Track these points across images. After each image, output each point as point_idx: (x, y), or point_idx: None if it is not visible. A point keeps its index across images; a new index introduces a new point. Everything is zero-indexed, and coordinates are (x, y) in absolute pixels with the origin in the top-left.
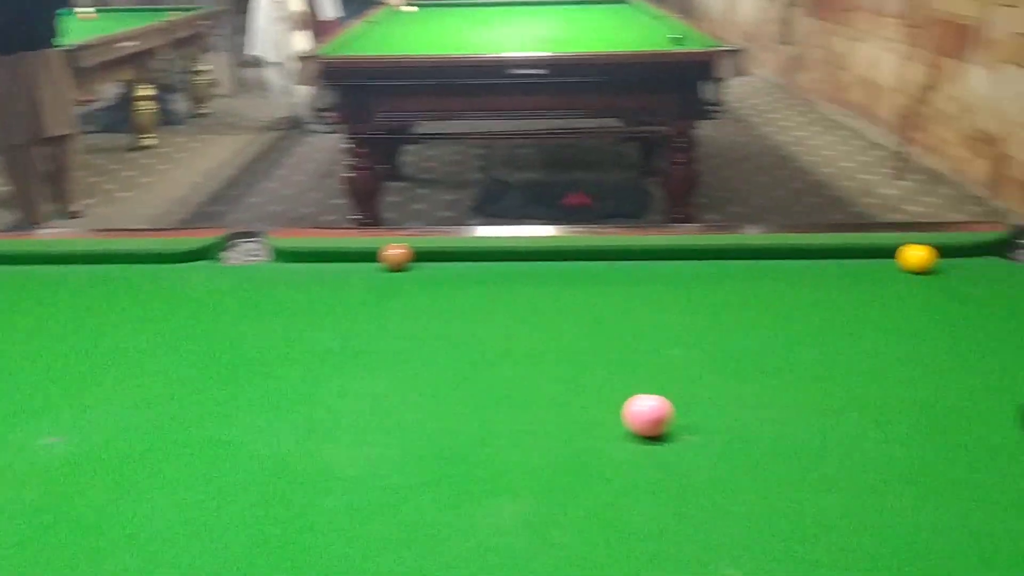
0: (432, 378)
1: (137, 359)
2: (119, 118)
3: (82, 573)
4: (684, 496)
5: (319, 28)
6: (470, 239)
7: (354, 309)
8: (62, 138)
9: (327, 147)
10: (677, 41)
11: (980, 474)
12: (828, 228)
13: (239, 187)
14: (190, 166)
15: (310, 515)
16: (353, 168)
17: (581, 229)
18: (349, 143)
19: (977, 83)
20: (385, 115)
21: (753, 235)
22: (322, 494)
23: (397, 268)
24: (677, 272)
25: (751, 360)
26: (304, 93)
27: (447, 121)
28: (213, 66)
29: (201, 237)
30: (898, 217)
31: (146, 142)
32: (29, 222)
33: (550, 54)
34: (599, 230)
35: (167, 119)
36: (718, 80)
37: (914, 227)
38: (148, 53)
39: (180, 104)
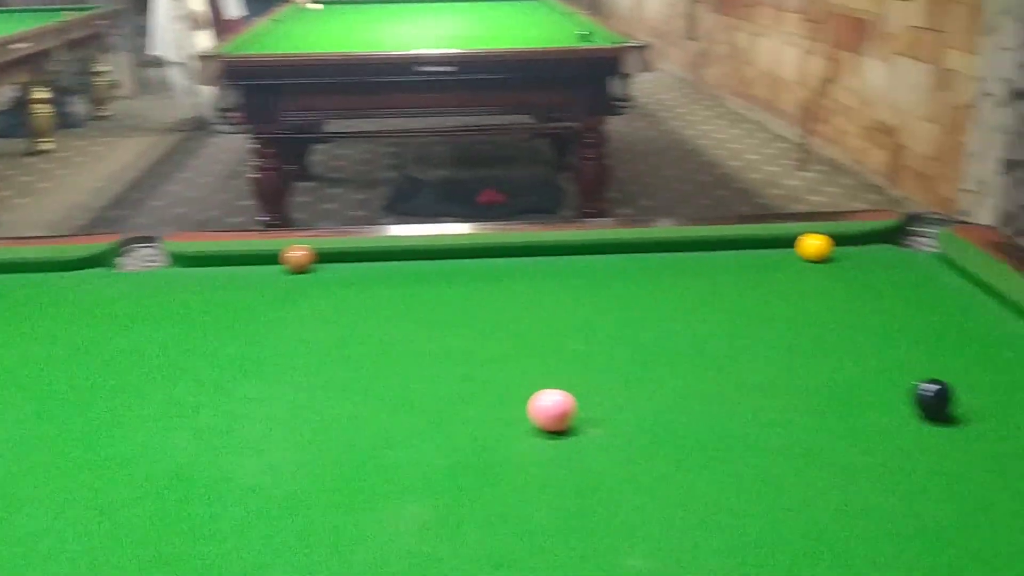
0: (333, 381)
1: (24, 373)
2: (14, 122)
3: None
4: (588, 489)
5: (223, 27)
6: (375, 239)
7: (254, 313)
8: None
9: (233, 148)
10: (584, 37)
11: (874, 455)
12: (732, 220)
13: (142, 191)
14: (90, 170)
15: (208, 526)
16: (259, 169)
17: (492, 226)
18: (254, 143)
19: (874, 76)
20: (291, 114)
21: (661, 228)
22: (221, 504)
23: (300, 270)
24: (588, 267)
25: (656, 352)
26: (208, 93)
27: (356, 120)
28: (113, 67)
29: (95, 243)
30: (802, 207)
31: (43, 146)
32: None
33: (458, 51)
34: (511, 227)
35: (65, 122)
36: (625, 76)
37: (812, 217)
38: (43, 54)
39: (79, 106)
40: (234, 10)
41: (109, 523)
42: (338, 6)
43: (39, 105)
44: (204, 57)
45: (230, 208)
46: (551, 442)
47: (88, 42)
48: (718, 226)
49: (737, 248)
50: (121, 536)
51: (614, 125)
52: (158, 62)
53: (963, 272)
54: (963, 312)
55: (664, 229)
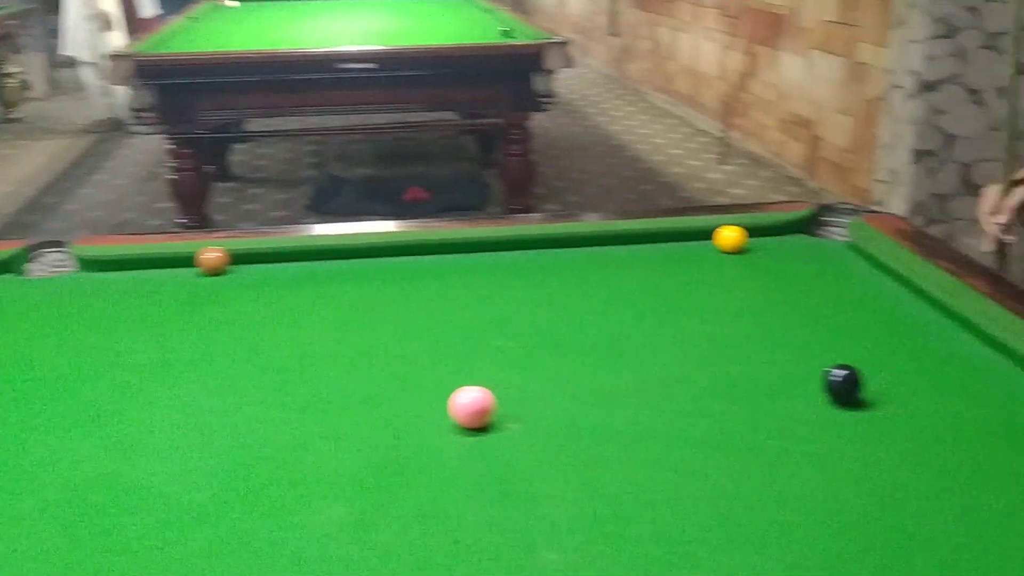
0: (248, 385)
1: None
2: None
3: None
4: (507, 484)
5: (138, 26)
6: (292, 239)
7: (167, 317)
8: None
9: (151, 149)
10: (506, 34)
11: (788, 442)
12: (653, 214)
13: (56, 195)
14: (1, 174)
15: (118, 535)
16: (176, 170)
17: (416, 223)
18: (171, 144)
19: (790, 70)
20: (208, 114)
21: (584, 223)
22: (132, 512)
23: (214, 272)
24: (513, 263)
25: (577, 346)
26: (123, 93)
27: (277, 118)
28: (24, 68)
29: (1, 250)
30: (723, 200)
31: None
32: None
33: (378, 48)
34: (434, 224)
35: None
36: (548, 72)
37: (729, 209)
38: None
39: None
40: (149, 9)
41: (14, 535)
42: (257, 3)
43: None
44: (115, 56)
45: (148, 210)
46: (471, 439)
47: None
48: (640, 220)
49: (658, 241)
50: (27, 548)
51: (539, 121)
52: (71, 62)
53: (872, 260)
54: (872, 299)
55: (587, 224)
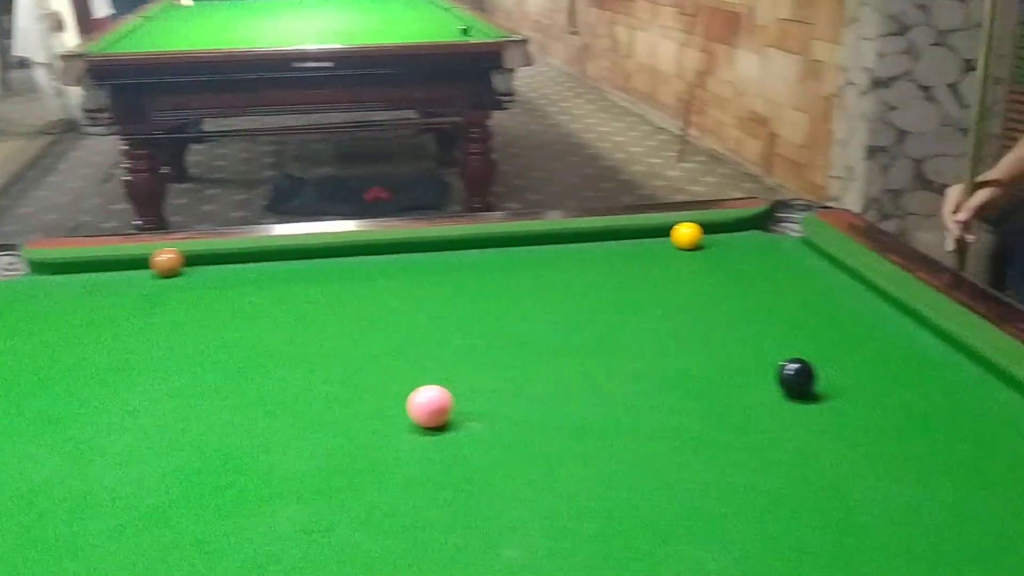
0: (204, 387)
1: None
2: None
3: None
4: (466, 483)
5: (92, 26)
6: (249, 239)
7: (120, 320)
8: None
9: (107, 150)
10: (465, 32)
11: (742, 434)
12: (613, 211)
13: (9, 197)
14: None
15: (72, 542)
16: (132, 171)
17: (374, 223)
18: (125, 145)
19: (747, 67)
20: (164, 114)
21: (544, 221)
22: (85, 518)
23: (168, 274)
24: (473, 262)
25: (535, 344)
26: (78, 94)
27: (234, 118)
28: None
29: None
30: (682, 197)
31: None
32: None
33: (335, 47)
34: (392, 223)
35: None
36: (508, 70)
37: (686, 206)
38: None
39: None
40: (103, 9)
41: None
42: (213, 2)
43: None
44: (66, 57)
45: (104, 213)
46: (430, 438)
47: None
48: (599, 218)
49: (617, 239)
50: None
51: (499, 120)
52: (23, 63)
53: (825, 255)
54: (825, 293)
55: (547, 222)
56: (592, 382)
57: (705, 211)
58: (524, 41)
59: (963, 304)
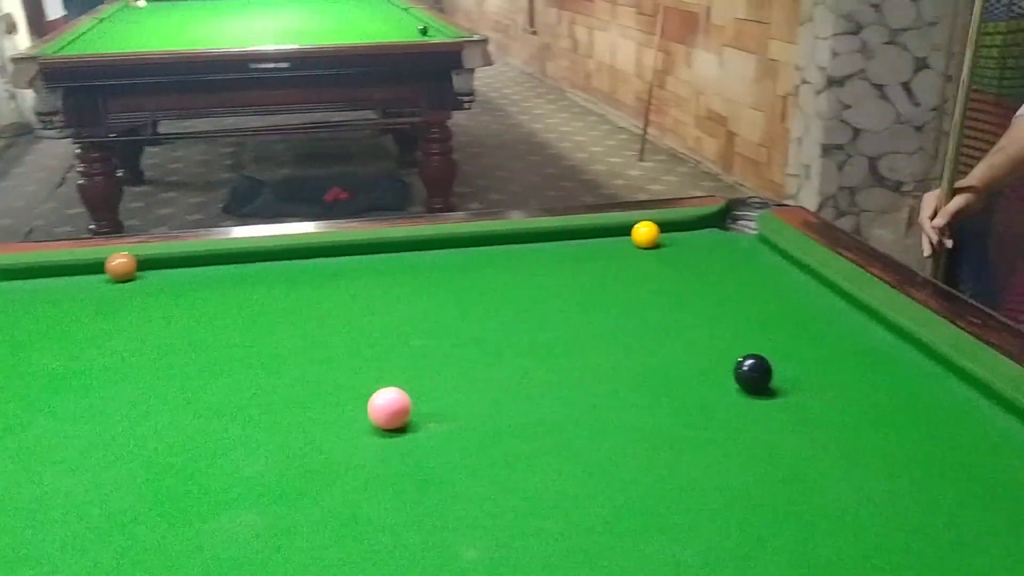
0: (159, 392)
1: None
2: None
3: None
4: (426, 484)
5: (47, 27)
6: (204, 242)
7: (74, 326)
8: None
9: (61, 153)
10: (424, 32)
11: (701, 430)
12: (573, 211)
13: None
14: None
15: (22, 550)
16: (86, 174)
17: (333, 224)
18: (80, 148)
19: (705, 67)
20: (118, 116)
21: (505, 221)
22: (38, 526)
23: (123, 279)
24: (434, 262)
25: (496, 344)
26: (32, 97)
27: (191, 120)
28: None
29: None
30: (643, 196)
31: None
32: None
33: (291, 47)
34: (353, 224)
35: None
36: (468, 70)
37: (644, 205)
38: None
39: None
40: (58, 10)
41: None
42: (169, 2)
43: None
44: (17, 59)
45: (58, 217)
46: (389, 440)
47: None
48: (560, 217)
49: (577, 238)
50: None
51: (460, 120)
52: None
53: (781, 252)
54: (780, 289)
55: (508, 222)
56: (553, 381)
57: (663, 210)
58: (484, 41)
59: (916, 300)
